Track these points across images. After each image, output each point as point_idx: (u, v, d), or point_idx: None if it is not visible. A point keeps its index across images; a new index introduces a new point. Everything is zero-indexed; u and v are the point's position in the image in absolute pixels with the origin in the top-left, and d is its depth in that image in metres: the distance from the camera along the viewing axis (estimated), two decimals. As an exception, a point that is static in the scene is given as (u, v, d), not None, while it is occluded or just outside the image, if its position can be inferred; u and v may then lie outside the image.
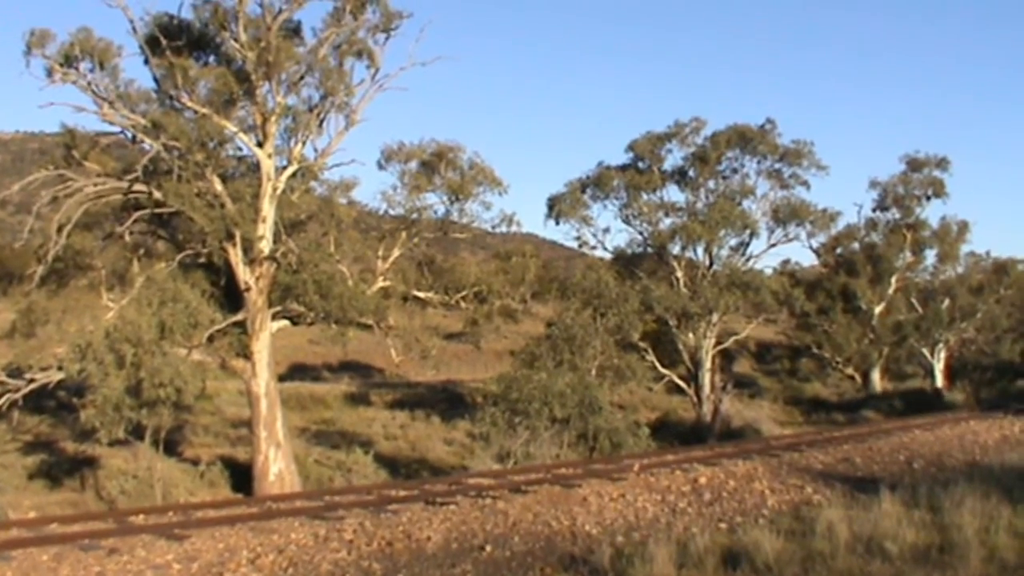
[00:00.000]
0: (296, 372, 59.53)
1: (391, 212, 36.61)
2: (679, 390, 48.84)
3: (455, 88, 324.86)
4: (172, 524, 14.90)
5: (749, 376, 66.97)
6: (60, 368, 27.63)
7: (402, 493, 17.72)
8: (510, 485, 17.77)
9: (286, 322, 31.94)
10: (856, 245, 62.12)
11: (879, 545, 11.48)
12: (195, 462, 33.11)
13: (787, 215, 49.15)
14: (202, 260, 31.92)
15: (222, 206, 29.76)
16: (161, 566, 12.65)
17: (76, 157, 30.19)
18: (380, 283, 33.36)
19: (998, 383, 54.78)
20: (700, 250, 48.39)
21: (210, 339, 29.36)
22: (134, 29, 29.96)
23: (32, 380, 28.07)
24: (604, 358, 37.19)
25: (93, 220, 31.64)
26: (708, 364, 47.78)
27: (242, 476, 31.13)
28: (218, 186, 30.26)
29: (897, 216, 60.68)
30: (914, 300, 61.59)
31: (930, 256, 62.66)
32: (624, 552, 12.53)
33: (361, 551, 13.49)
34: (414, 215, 35.56)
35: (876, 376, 60.00)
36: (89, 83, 29.20)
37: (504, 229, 37.36)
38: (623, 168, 49.19)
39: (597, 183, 48.76)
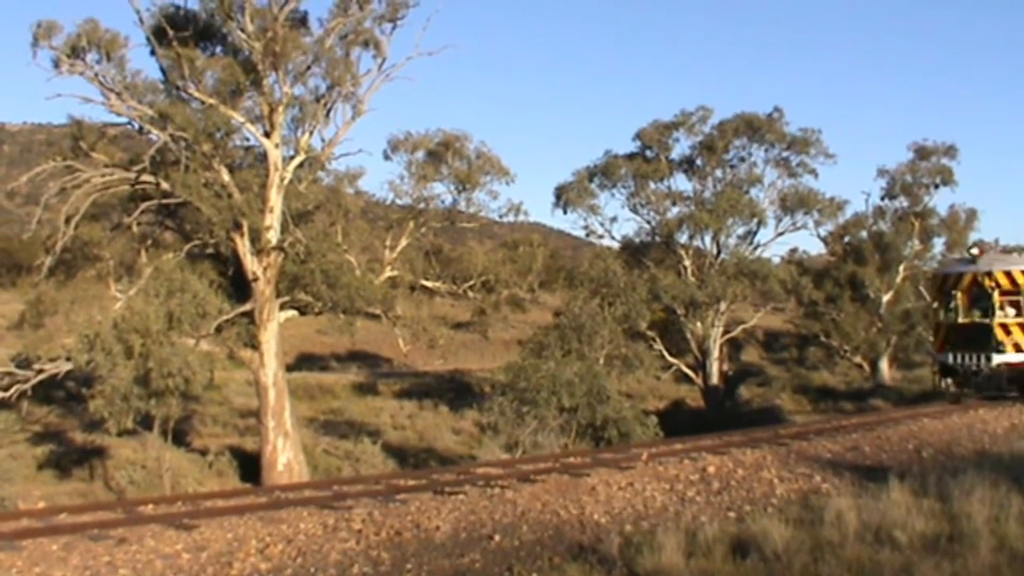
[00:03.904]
0: (304, 362, 59.63)
1: (398, 202, 36.70)
2: (687, 379, 48.85)
3: (462, 77, 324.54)
4: (181, 514, 14.90)
5: (757, 365, 66.93)
6: (68, 358, 27.69)
7: (410, 483, 17.70)
8: (518, 474, 17.74)
9: (294, 312, 31.98)
10: (864, 233, 61.82)
11: (888, 534, 11.45)
12: (203, 452, 33.20)
13: (795, 204, 49.09)
14: (210, 250, 31.97)
15: (229, 196, 29.77)
16: (170, 555, 12.67)
17: (83, 148, 30.23)
18: (387, 273, 33.38)
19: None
20: (708, 239, 48.36)
21: (218, 329, 29.40)
22: (140, 20, 29.96)
23: (41, 370, 28.15)
24: (612, 347, 37.16)
25: (101, 211, 31.71)
26: (716, 353, 47.79)
27: (250, 466, 31.21)
28: (225, 176, 30.27)
29: (905, 204, 60.41)
30: (922, 288, 61.35)
31: (938, 244, 62.45)
32: (633, 541, 12.51)
33: (370, 541, 13.50)
34: (421, 205, 35.60)
35: (884, 365, 59.79)
36: (96, 74, 29.21)
37: (511, 218, 37.41)
38: (630, 157, 49.12)
39: (604, 172, 48.73)
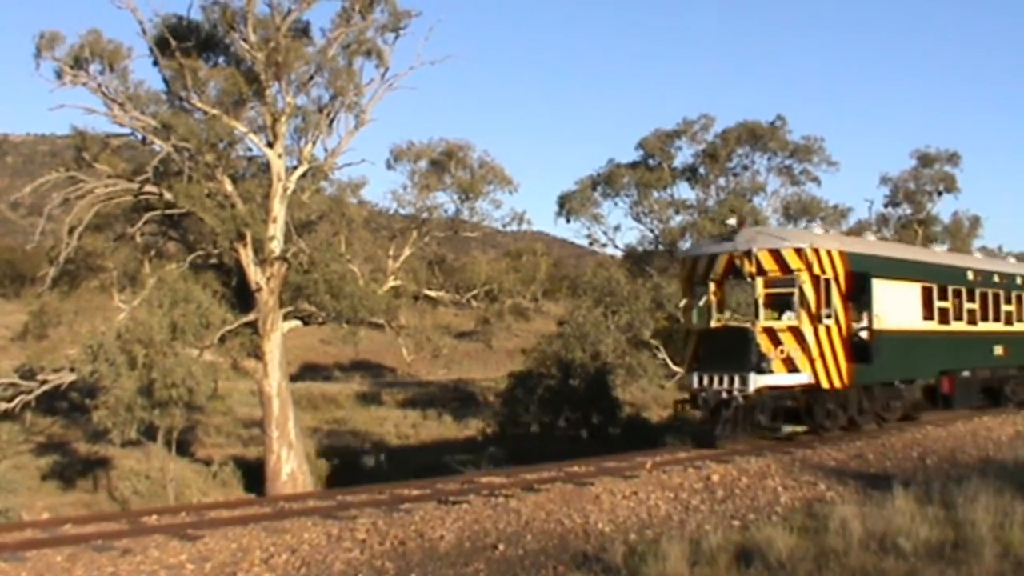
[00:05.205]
0: (308, 372, 59.62)
1: (401, 211, 36.79)
2: (691, 387, 48.65)
3: (465, 86, 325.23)
4: (185, 524, 14.89)
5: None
6: (72, 369, 27.75)
7: (414, 492, 17.67)
8: (522, 484, 17.72)
9: (297, 322, 32.00)
10: (867, 241, 61.76)
11: (893, 542, 11.42)
12: (207, 462, 33.21)
13: (798, 211, 49.02)
14: (213, 261, 32.04)
15: (233, 207, 29.82)
16: (174, 566, 12.65)
17: (87, 159, 30.32)
18: (391, 282, 33.40)
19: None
20: (711, 247, 48.24)
21: (222, 339, 29.44)
22: (143, 31, 30.12)
23: (45, 381, 28.22)
24: (616, 356, 37.13)
25: (104, 222, 31.79)
26: (719, 361, 47.60)
27: (254, 476, 31.20)
28: (228, 187, 30.32)
29: (908, 212, 60.32)
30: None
31: (941, 252, 62.38)
32: (637, 550, 12.48)
33: (374, 550, 13.47)
34: (424, 214, 35.64)
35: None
36: (99, 85, 29.33)
37: (514, 227, 37.53)
38: (633, 165, 49.08)
39: (607, 181, 48.67)
